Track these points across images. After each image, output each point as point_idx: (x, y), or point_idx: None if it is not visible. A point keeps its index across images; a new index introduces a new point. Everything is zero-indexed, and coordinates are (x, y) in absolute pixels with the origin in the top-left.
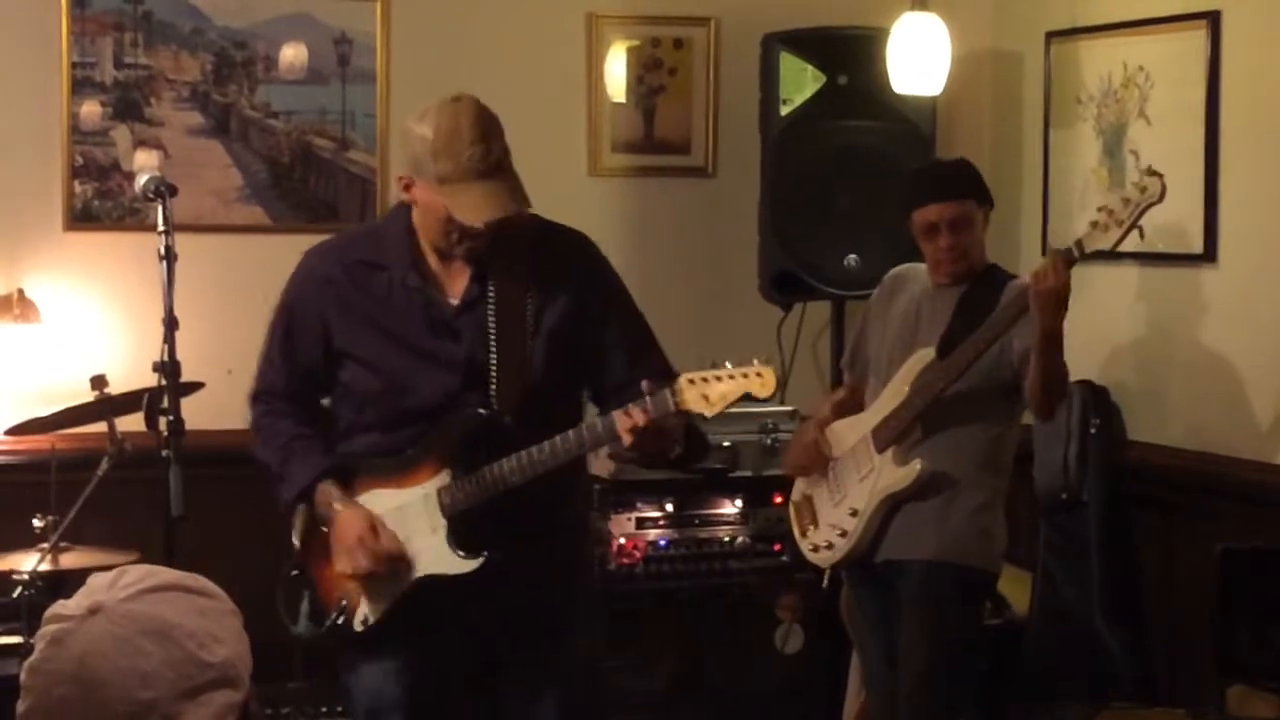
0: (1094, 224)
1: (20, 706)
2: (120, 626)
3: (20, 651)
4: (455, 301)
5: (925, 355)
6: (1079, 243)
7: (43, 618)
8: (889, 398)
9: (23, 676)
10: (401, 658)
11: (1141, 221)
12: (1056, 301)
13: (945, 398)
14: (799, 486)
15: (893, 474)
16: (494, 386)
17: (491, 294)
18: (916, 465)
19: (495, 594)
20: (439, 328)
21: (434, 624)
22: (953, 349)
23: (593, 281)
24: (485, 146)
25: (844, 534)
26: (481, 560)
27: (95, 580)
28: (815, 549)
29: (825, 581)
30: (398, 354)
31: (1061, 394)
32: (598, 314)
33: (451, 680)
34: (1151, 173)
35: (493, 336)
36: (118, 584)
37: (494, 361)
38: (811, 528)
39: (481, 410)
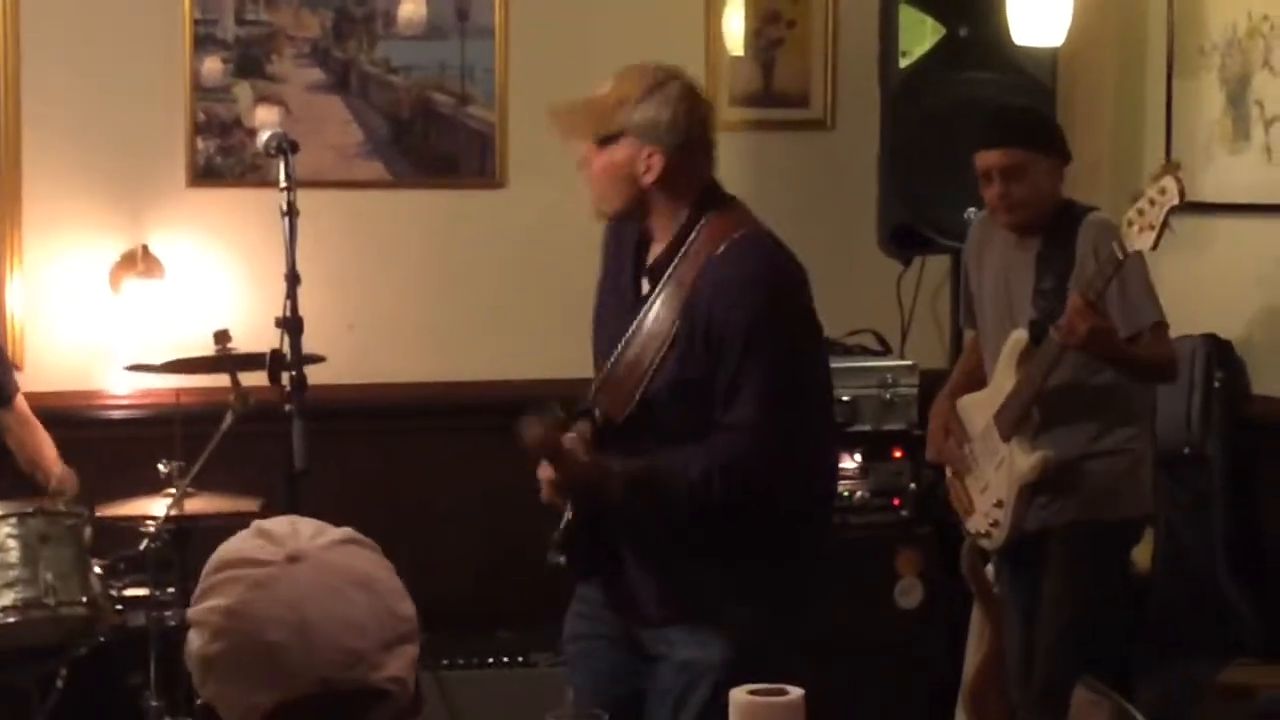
0: (1129, 223)
1: (210, 647)
2: (329, 575)
3: (147, 603)
4: (645, 291)
5: (1020, 340)
6: (1091, 284)
7: (221, 561)
8: (1000, 381)
9: (213, 618)
10: None
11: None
12: (1093, 344)
13: (1062, 382)
14: (949, 469)
15: (1022, 464)
16: (598, 384)
17: (659, 298)
18: (1040, 456)
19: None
20: (625, 307)
21: None
22: (1043, 330)
23: (728, 311)
24: (603, 81)
25: (996, 523)
26: None
27: (269, 527)
28: (979, 534)
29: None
30: (603, 313)
31: (1165, 378)
32: (717, 344)
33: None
34: (1167, 168)
35: (628, 337)
36: (304, 533)
37: (612, 362)
38: (970, 514)
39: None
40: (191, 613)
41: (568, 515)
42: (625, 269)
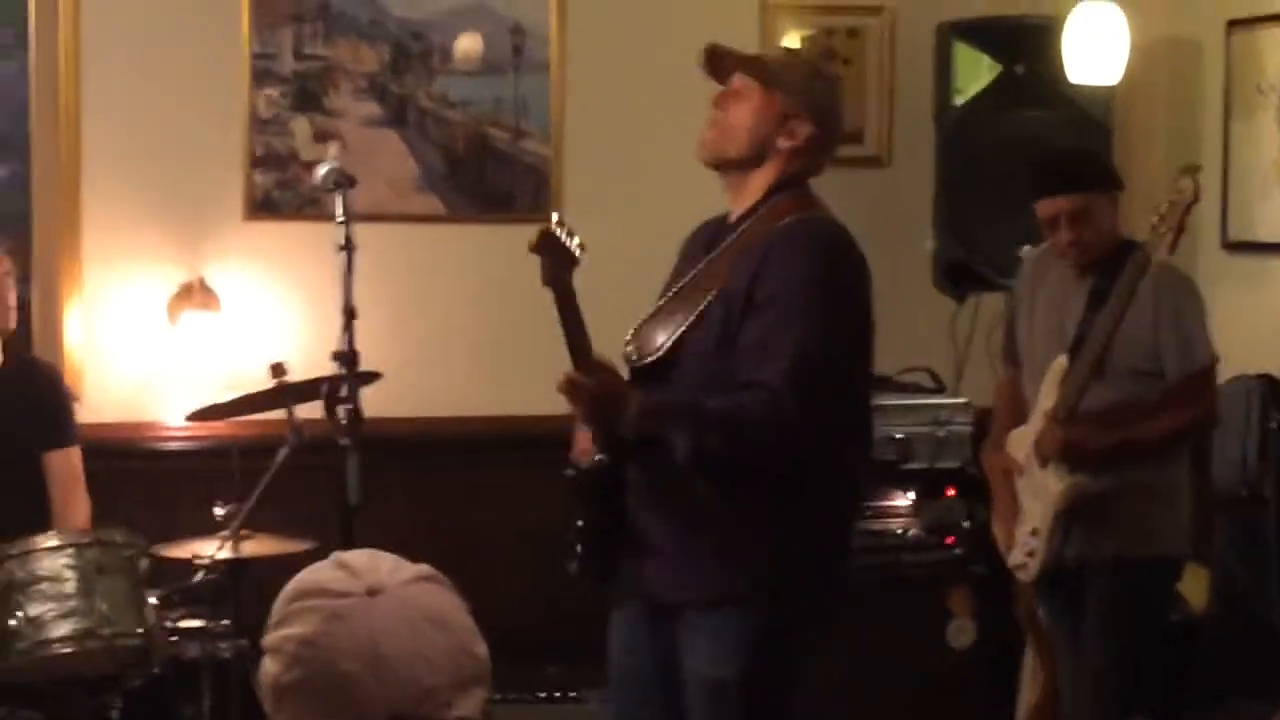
0: (1153, 228)
1: (285, 676)
2: (407, 610)
3: (202, 635)
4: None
5: (1060, 364)
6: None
7: (299, 590)
8: (1042, 408)
9: (289, 646)
10: None
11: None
12: (1069, 457)
13: (1093, 406)
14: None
15: (1056, 491)
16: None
17: (712, 259)
18: (1070, 482)
19: None
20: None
21: None
22: (1079, 349)
23: (773, 271)
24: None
25: (1032, 553)
26: None
27: (350, 559)
28: (1018, 566)
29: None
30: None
31: (1203, 435)
32: (758, 302)
33: None
34: (1186, 169)
35: (678, 286)
36: (384, 568)
37: (657, 306)
38: (1009, 545)
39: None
40: (267, 640)
41: (579, 523)
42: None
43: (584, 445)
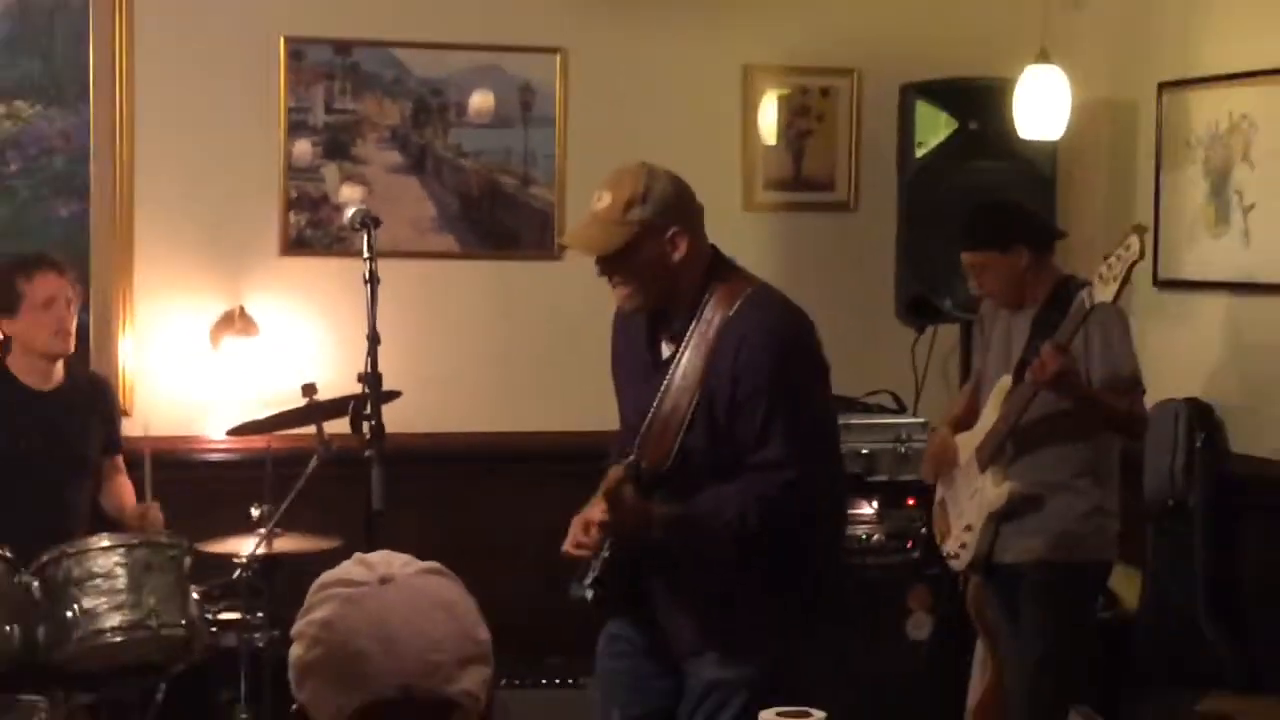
0: (1099, 276)
1: (308, 655)
2: (415, 596)
3: (239, 628)
4: (666, 355)
5: (1005, 382)
6: (1063, 331)
7: (321, 583)
8: (986, 418)
9: (311, 630)
10: None
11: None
12: (1061, 384)
13: (1033, 418)
14: (937, 494)
15: (991, 494)
16: (639, 438)
17: (684, 357)
18: (1006, 487)
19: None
20: (648, 373)
21: None
22: (1025, 371)
23: (750, 365)
24: (599, 195)
25: (964, 545)
26: None
27: (368, 556)
28: (949, 556)
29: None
30: (624, 385)
31: (1132, 434)
32: (743, 395)
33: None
34: (1135, 228)
35: (661, 394)
36: (397, 562)
37: (650, 418)
38: (946, 537)
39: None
40: (294, 628)
41: (605, 554)
42: (640, 342)
43: (595, 514)
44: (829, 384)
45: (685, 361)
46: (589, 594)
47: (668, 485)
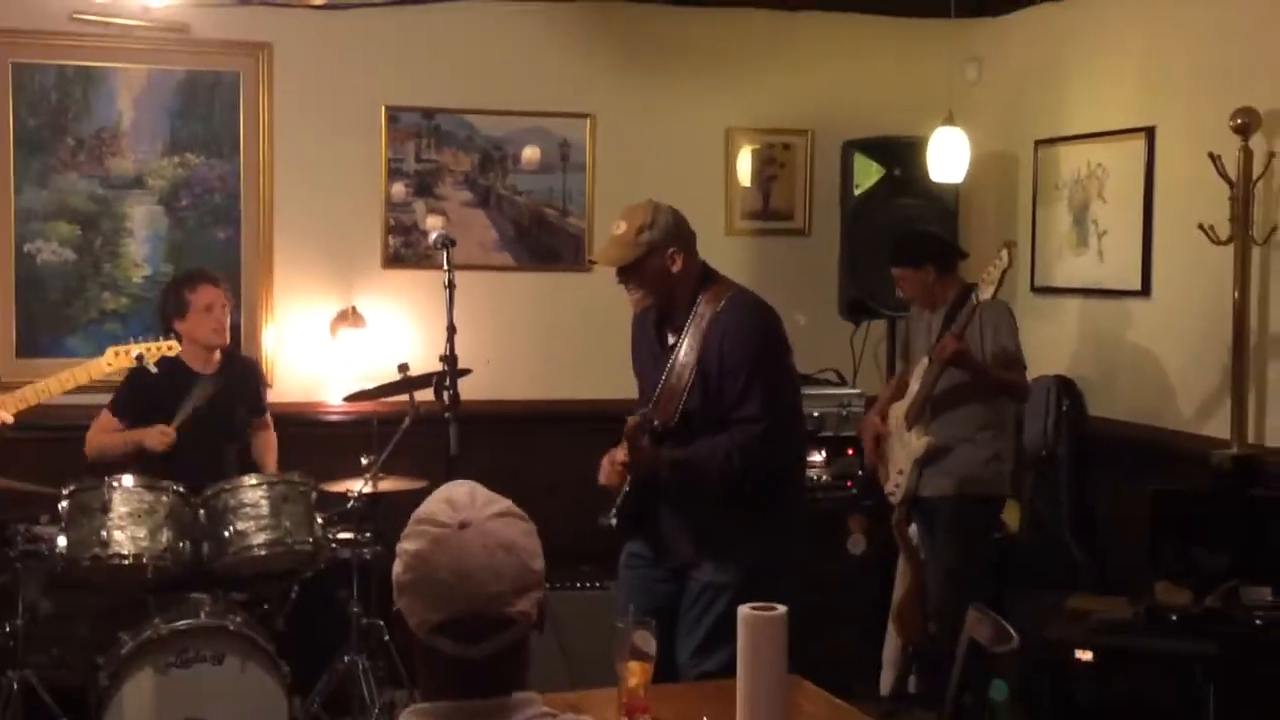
0: (982, 280)
1: (403, 576)
2: (486, 539)
3: (352, 545)
4: (670, 342)
5: (925, 362)
6: (959, 322)
7: (418, 516)
8: (911, 391)
9: (406, 557)
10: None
11: (1006, 280)
12: (958, 361)
13: (944, 388)
14: (880, 449)
15: (915, 445)
16: (652, 403)
17: (684, 343)
18: (925, 440)
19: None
20: (658, 356)
21: None
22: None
23: (733, 346)
24: (617, 223)
25: (898, 485)
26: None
27: (454, 495)
28: (889, 493)
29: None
30: (642, 367)
31: (1016, 397)
32: (728, 369)
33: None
34: (1005, 244)
35: (668, 371)
36: (476, 504)
37: (660, 388)
38: (885, 479)
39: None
40: (398, 547)
41: (625, 489)
42: (651, 333)
43: (620, 454)
44: (792, 361)
45: (685, 346)
46: (613, 522)
47: (673, 437)
